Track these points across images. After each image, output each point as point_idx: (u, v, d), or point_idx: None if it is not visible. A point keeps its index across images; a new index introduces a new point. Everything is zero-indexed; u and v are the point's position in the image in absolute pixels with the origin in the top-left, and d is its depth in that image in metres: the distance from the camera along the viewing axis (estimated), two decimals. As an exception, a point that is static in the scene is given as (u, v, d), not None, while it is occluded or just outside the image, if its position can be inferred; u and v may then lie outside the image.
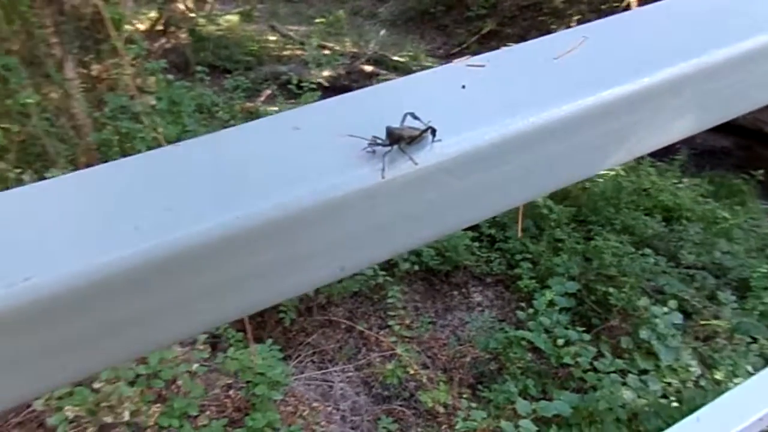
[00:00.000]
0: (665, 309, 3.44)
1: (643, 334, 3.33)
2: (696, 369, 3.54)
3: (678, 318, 3.42)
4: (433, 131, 0.38)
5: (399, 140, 0.38)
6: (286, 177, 0.36)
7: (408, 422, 3.13)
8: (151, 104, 4.13)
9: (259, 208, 0.34)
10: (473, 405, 3.01)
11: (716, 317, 3.63)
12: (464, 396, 3.17)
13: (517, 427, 2.94)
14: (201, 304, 0.35)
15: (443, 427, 3.04)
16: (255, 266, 0.36)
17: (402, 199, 0.38)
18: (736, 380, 3.50)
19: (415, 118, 0.40)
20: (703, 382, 3.53)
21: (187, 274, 0.34)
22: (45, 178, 0.40)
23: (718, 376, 3.58)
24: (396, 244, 0.40)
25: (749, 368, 3.54)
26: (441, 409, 3.06)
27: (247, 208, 0.34)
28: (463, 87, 0.44)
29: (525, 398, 3.03)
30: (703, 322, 3.61)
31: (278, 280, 0.37)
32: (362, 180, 0.36)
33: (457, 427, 2.92)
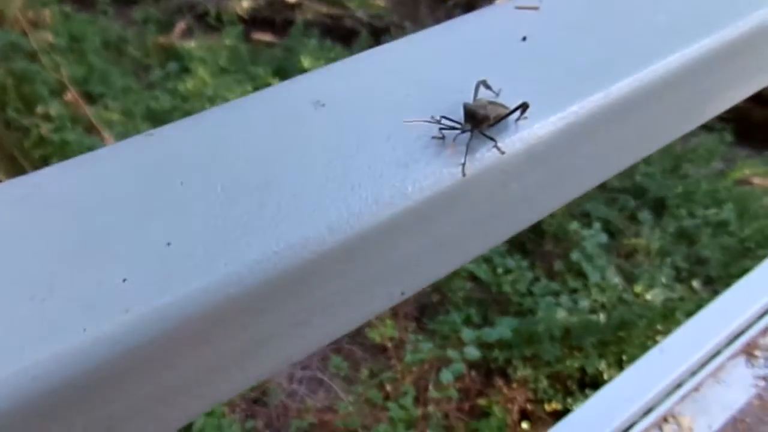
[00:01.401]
0: (592, 231, 3.59)
1: (574, 256, 3.47)
2: (619, 284, 3.77)
3: (603, 238, 3.60)
4: (525, 107, 0.28)
5: (482, 122, 0.27)
6: (332, 183, 0.25)
7: (358, 358, 3.15)
8: (48, 41, 3.63)
9: (303, 235, 0.23)
10: (420, 337, 3.07)
11: (636, 236, 3.84)
12: (410, 329, 3.22)
13: (462, 353, 3.03)
14: (226, 372, 0.24)
15: (392, 360, 3.08)
16: (294, 314, 0.25)
17: (482, 200, 0.28)
18: (653, 291, 3.77)
19: (488, 87, 0.30)
20: (625, 296, 3.78)
21: (211, 340, 0.23)
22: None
23: (638, 289, 3.84)
24: (466, 253, 0.30)
25: (663, 280, 3.82)
26: (389, 344, 3.09)
27: (288, 237, 0.23)
28: (524, 39, 0.34)
29: (468, 326, 3.11)
30: (625, 242, 3.81)
31: (321, 324, 0.26)
32: (436, 181, 0.26)
33: (406, 359, 2.97)
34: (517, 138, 0.28)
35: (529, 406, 3.20)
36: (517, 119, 0.28)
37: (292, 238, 0.23)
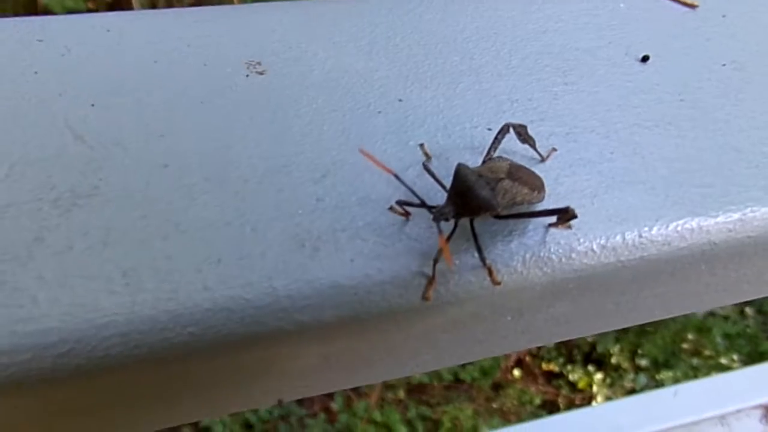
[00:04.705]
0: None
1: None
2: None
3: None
4: (569, 215, 0.15)
5: (479, 210, 0.15)
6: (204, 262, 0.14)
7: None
8: None
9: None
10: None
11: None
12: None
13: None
14: None
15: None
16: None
17: (438, 332, 0.16)
18: None
19: (525, 139, 0.17)
20: None
21: None
22: None
23: (686, 292, 3.62)
24: (377, 375, 0.19)
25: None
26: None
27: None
28: (645, 60, 0.19)
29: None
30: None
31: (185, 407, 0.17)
32: (367, 296, 0.14)
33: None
34: (537, 261, 0.15)
35: (527, 359, 3.20)
36: (553, 224, 0.15)
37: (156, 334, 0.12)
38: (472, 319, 0.16)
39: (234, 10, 0.19)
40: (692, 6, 0.21)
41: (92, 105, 0.16)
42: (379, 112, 0.17)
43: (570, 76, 0.18)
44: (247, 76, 0.17)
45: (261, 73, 0.17)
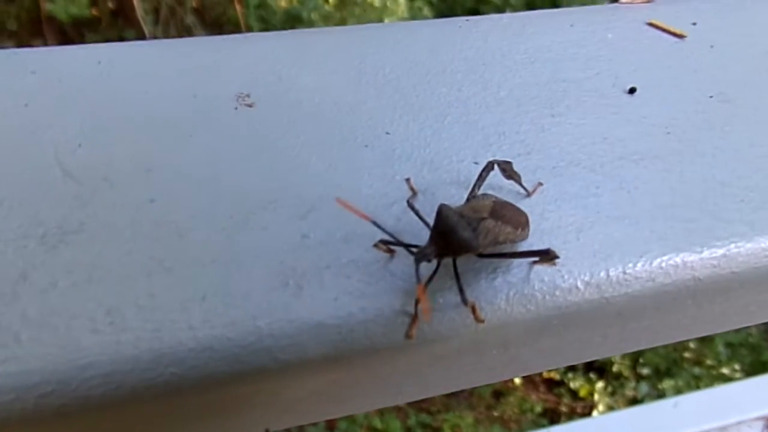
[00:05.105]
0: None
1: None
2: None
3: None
4: (549, 257, 0.15)
5: (461, 250, 0.15)
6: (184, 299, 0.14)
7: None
8: None
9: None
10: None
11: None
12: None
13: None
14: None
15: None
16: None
17: (422, 366, 0.16)
18: None
19: (510, 175, 0.17)
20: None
21: None
22: None
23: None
24: (357, 409, 0.19)
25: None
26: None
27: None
28: (632, 92, 0.19)
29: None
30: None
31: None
32: (350, 334, 0.14)
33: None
34: (520, 298, 0.15)
35: (528, 365, 3.18)
36: (536, 261, 0.15)
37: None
38: (457, 354, 0.16)
39: (225, 41, 0.19)
40: (680, 36, 0.21)
41: (80, 142, 0.16)
42: (366, 145, 0.17)
43: (557, 108, 0.18)
44: (236, 108, 0.17)
45: (250, 106, 0.17)
